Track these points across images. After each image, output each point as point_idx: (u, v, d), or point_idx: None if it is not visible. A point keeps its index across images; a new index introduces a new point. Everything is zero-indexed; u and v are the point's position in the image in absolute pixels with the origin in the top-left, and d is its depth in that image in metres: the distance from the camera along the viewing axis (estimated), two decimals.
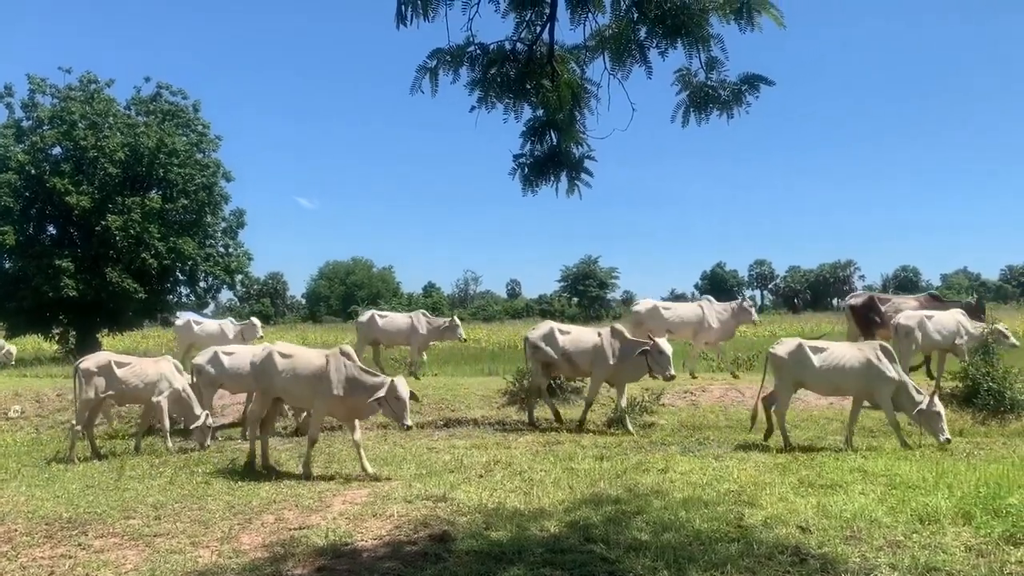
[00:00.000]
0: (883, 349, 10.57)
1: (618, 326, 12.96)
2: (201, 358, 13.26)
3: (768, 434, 10.97)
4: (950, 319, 14.33)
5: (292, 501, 8.05)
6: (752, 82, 5.18)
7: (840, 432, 11.33)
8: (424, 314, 18.28)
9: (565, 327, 13.42)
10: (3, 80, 32.45)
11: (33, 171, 27.39)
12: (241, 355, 12.90)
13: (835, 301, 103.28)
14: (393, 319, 18.40)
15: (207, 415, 11.84)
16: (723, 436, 11.60)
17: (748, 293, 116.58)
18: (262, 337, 19.01)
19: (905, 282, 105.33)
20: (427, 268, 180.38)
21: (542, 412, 13.45)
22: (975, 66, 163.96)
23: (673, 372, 12.07)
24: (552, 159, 5.59)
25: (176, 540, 6.75)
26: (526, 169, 5.67)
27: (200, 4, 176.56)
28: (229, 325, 19.73)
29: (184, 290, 32.21)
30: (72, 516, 7.66)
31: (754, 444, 10.73)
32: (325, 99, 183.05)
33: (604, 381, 12.75)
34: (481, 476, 9.02)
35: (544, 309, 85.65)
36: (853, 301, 16.80)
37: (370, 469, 9.30)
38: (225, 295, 50.34)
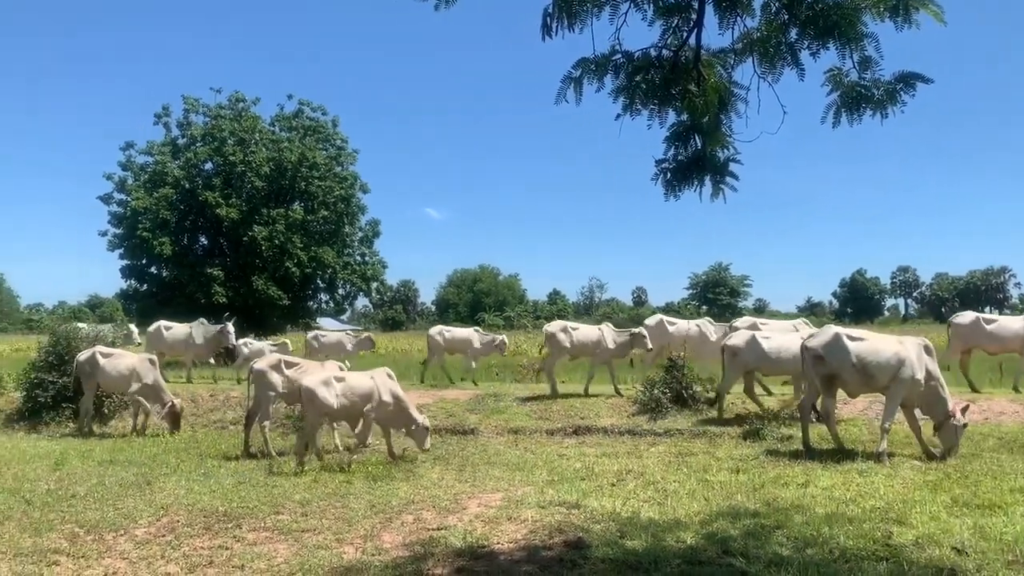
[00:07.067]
0: None
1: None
2: (736, 340, 13.32)
3: None
4: None
5: (429, 502, 8.26)
6: (908, 80, 4.95)
7: (998, 448, 10.59)
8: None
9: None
10: (161, 102, 34.89)
11: (187, 185, 29.45)
12: (778, 340, 13.15)
13: (987, 309, 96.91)
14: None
15: (423, 419, 11.37)
16: (867, 450, 11.05)
17: (890, 302, 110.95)
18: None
19: None
20: (552, 275, 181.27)
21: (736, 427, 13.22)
22: None
23: None
24: (696, 163, 5.53)
25: (322, 536, 7.06)
26: (669, 174, 5.63)
27: (338, 20, 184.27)
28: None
29: (324, 297, 33.78)
30: (227, 510, 8.13)
31: (901, 459, 10.17)
32: (451, 113, 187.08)
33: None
34: (613, 485, 8.98)
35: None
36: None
37: None
38: (361, 302, 52.30)
